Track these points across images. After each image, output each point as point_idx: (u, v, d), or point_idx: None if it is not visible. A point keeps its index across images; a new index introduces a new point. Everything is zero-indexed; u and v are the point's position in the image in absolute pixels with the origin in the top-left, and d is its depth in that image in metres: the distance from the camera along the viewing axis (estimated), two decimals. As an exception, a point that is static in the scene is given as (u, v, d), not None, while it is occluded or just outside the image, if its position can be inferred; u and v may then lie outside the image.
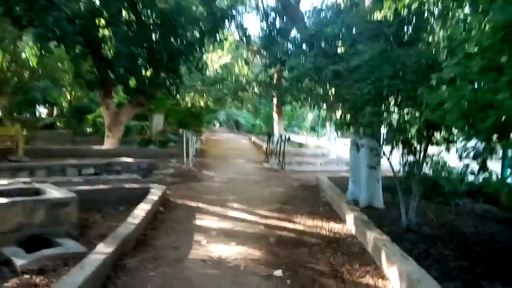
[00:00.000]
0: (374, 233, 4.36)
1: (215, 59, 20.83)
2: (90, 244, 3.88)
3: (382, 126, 5.36)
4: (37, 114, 25.82)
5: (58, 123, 22.65)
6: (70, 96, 21.51)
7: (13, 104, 18.11)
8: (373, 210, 6.44)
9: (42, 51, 8.51)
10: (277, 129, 20.85)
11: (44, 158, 9.98)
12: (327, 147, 17.94)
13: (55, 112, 25.57)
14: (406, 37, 6.19)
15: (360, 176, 7.30)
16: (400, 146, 5.33)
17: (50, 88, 21.04)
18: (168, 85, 12.11)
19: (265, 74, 18.83)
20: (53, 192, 4.31)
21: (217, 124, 50.16)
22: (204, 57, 15.05)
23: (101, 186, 5.68)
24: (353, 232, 5.04)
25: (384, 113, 4.75)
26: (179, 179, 8.48)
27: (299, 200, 6.99)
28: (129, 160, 10.54)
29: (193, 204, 6.09)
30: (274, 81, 19.32)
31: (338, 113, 7.02)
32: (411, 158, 5.31)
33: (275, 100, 20.36)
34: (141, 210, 4.61)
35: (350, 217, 5.34)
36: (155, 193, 5.65)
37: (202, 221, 5.20)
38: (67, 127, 19.21)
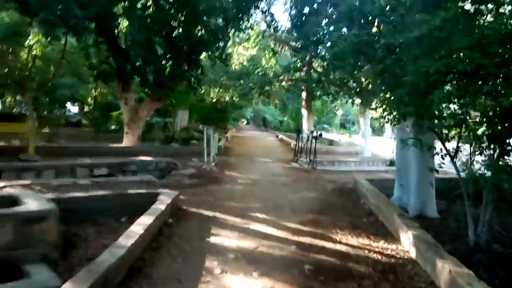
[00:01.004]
0: (448, 263, 3.17)
1: (241, 52, 19.83)
2: (72, 272, 2.97)
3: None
4: (67, 111, 25.89)
5: (83, 121, 22.55)
6: (95, 93, 21.14)
7: (38, 101, 17.91)
8: (425, 220, 5.31)
9: (49, 38, 7.77)
10: (306, 125, 19.63)
11: (59, 157, 9.37)
12: (361, 145, 16.59)
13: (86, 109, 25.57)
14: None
15: (409, 179, 6.15)
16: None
17: (77, 85, 20.77)
18: (189, 77, 11.16)
19: (294, 65, 17.67)
20: (30, 203, 3.43)
21: (244, 121, 49.56)
22: (229, 48, 14.02)
23: (100, 192, 4.79)
24: (413, 255, 3.86)
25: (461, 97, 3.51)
26: (197, 181, 7.53)
27: (336, 208, 5.84)
28: (147, 159, 9.75)
29: (210, 213, 5.07)
30: (304, 73, 18.10)
31: (380, 103, 5.81)
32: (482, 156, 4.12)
33: (304, 95, 19.13)
34: (140, 226, 3.63)
35: (407, 235, 4.15)
36: (164, 200, 4.69)
37: (218, 238, 4.16)
38: (93, 124, 18.89)
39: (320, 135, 10.29)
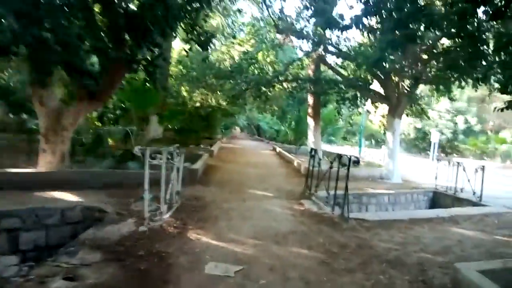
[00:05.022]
0: None
1: (231, 45, 15.74)
2: None
3: None
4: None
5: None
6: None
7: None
8: None
9: None
10: (312, 138, 15.55)
11: None
12: (387, 167, 12.45)
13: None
14: None
15: None
16: None
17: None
18: (138, 60, 6.75)
19: (299, 64, 13.66)
20: None
21: (238, 129, 46.34)
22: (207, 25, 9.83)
23: None
24: None
25: None
26: (110, 279, 3.32)
27: None
28: (64, 199, 5.56)
29: None
30: (312, 71, 14.06)
31: None
32: None
33: (310, 100, 15.08)
34: None
35: None
36: None
37: None
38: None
39: (357, 161, 6.08)
